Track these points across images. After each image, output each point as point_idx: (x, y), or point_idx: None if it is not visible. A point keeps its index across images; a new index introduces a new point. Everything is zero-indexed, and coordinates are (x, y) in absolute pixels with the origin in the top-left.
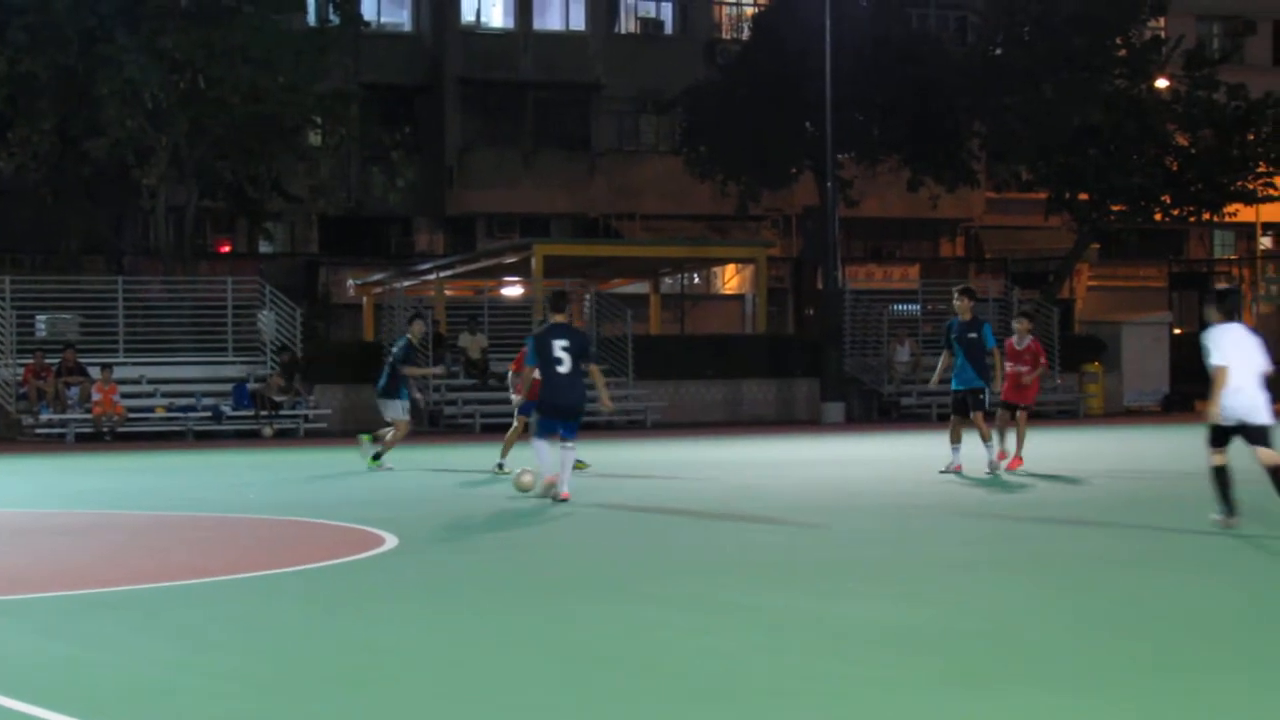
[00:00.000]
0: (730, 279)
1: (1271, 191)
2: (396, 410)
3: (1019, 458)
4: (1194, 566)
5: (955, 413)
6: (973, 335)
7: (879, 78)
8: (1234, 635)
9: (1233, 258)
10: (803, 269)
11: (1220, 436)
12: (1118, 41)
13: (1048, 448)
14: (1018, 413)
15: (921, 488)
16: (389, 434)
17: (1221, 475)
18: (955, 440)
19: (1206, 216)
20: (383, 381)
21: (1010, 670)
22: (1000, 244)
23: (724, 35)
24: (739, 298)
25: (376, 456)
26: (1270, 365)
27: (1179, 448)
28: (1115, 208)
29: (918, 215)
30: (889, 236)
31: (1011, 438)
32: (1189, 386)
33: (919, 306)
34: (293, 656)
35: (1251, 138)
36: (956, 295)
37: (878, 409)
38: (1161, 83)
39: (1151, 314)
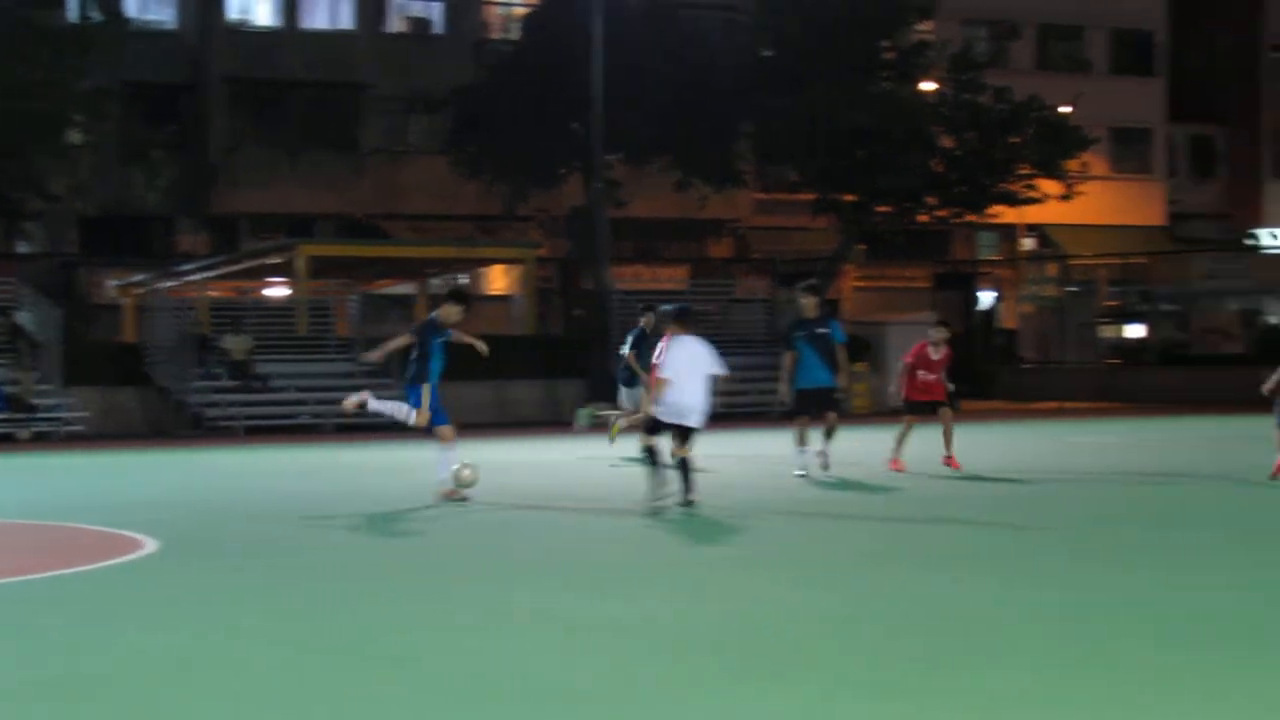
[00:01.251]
0: (498, 280)
1: (1034, 194)
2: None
3: (952, 456)
4: (949, 561)
5: (802, 412)
6: (822, 331)
7: (648, 78)
8: (1004, 630)
9: (995, 259)
10: (570, 270)
11: (656, 427)
12: (885, 44)
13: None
14: (940, 410)
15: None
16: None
17: (651, 455)
18: (802, 442)
19: (970, 218)
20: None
21: (785, 667)
22: (768, 244)
23: (493, 35)
24: (507, 298)
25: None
26: (724, 370)
27: (940, 446)
28: (881, 209)
29: (686, 216)
30: (657, 237)
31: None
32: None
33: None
34: (27, 664)
35: (1015, 140)
36: (801, 292)
37: None
38: (928, 85)
39: (916, 314)
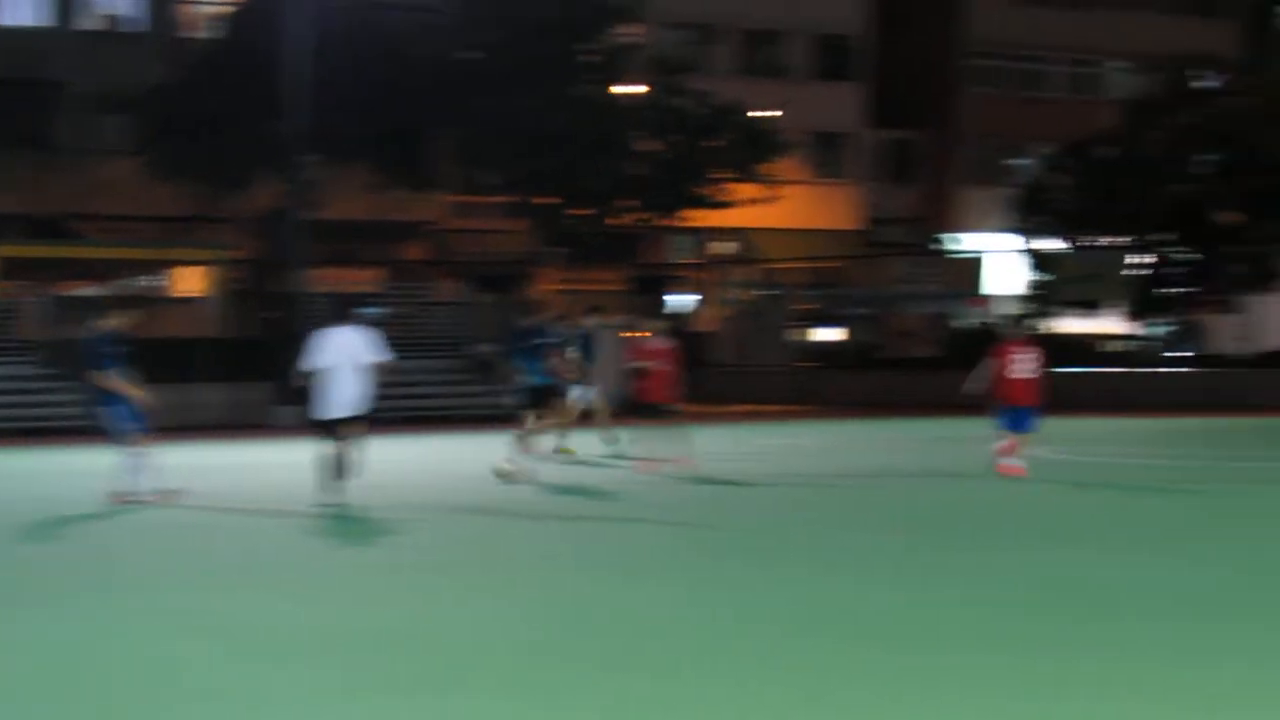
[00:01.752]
0: (190, 281)
1: (731, 197)
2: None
3: (685, 459)
4: (617, 565)
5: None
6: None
7: (347, 79)
8: (672, 635)
9: (694, 261)
10: (264, 272)
11: (327, 428)
12: (587, 48)
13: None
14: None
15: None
16: None
17: (332, 462)
18: (526, 445)
19: (669, 221)
20: None
21: (432, 674)
22: (465, 247)
23: (190, 35)
24: (199, 300)
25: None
26: (382, 357)
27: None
28: (579, 211)
29: (384, 218)
30: (354, 239)
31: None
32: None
33: (382, 309)
34: None
35: (715, 145)
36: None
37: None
38: (630, 89)
39: (615, 317)
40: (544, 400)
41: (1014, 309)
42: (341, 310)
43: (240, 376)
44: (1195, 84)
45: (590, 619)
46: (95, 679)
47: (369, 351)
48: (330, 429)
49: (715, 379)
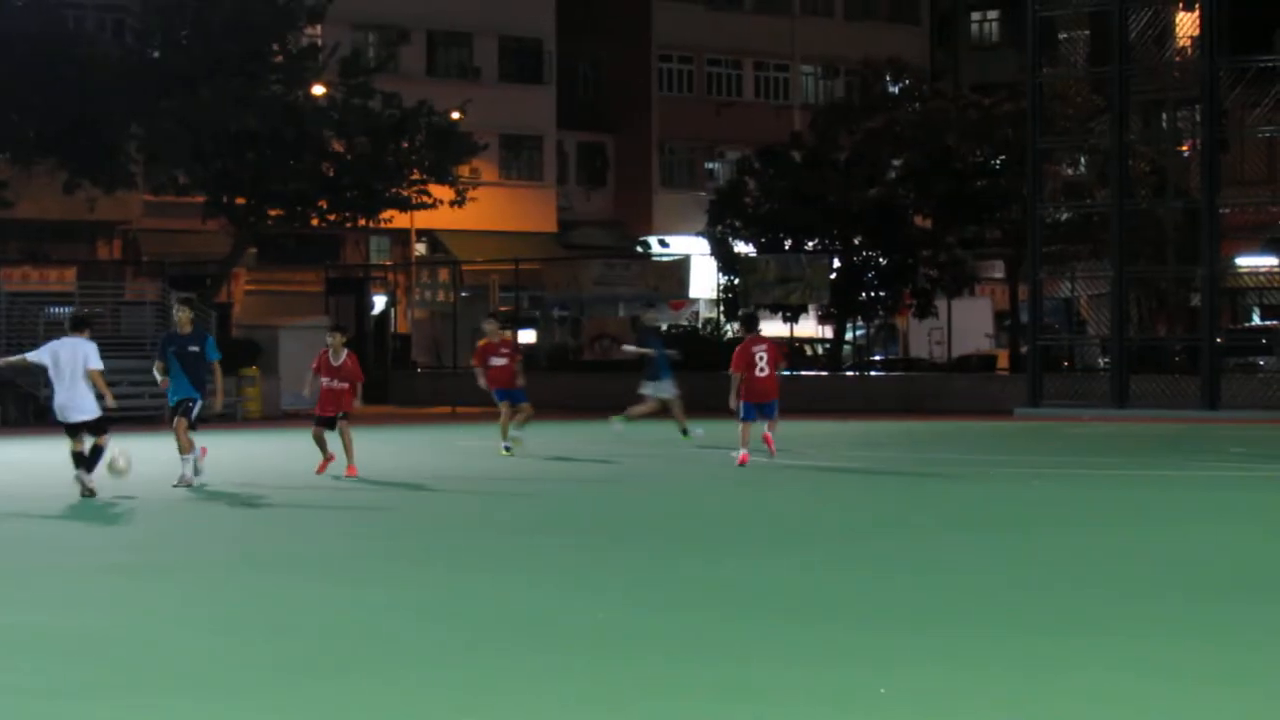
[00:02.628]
0: None
1: (425, 199)
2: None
3: (353, 466)
4: (295, 566)
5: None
6: (194, 349)
7: (33, 77)
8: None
9: (388, 264)
10: None
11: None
12: (274, 48)
13: (222, 452)
14: (339, 421)
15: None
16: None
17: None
18: (187, 450)
19: (362, 223)
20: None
21: (148, 676)
22: (159, 247)
23: None
24: None
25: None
26: (97, 365)
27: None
28: (273, 212)
29: (74, 217)
30: (45, 238)
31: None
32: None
33: (75, 309)
34: None
35: (406, 145)
36: (177, 306)
37: (34, 412)
38: (318, 89)
39: (309, 318)
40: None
41: (717, 311)
42: (73, 321)
43: None
44: (885, 89)
45: (278, 619)
46: None
47: (91, 359)
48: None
49: (412, 380)
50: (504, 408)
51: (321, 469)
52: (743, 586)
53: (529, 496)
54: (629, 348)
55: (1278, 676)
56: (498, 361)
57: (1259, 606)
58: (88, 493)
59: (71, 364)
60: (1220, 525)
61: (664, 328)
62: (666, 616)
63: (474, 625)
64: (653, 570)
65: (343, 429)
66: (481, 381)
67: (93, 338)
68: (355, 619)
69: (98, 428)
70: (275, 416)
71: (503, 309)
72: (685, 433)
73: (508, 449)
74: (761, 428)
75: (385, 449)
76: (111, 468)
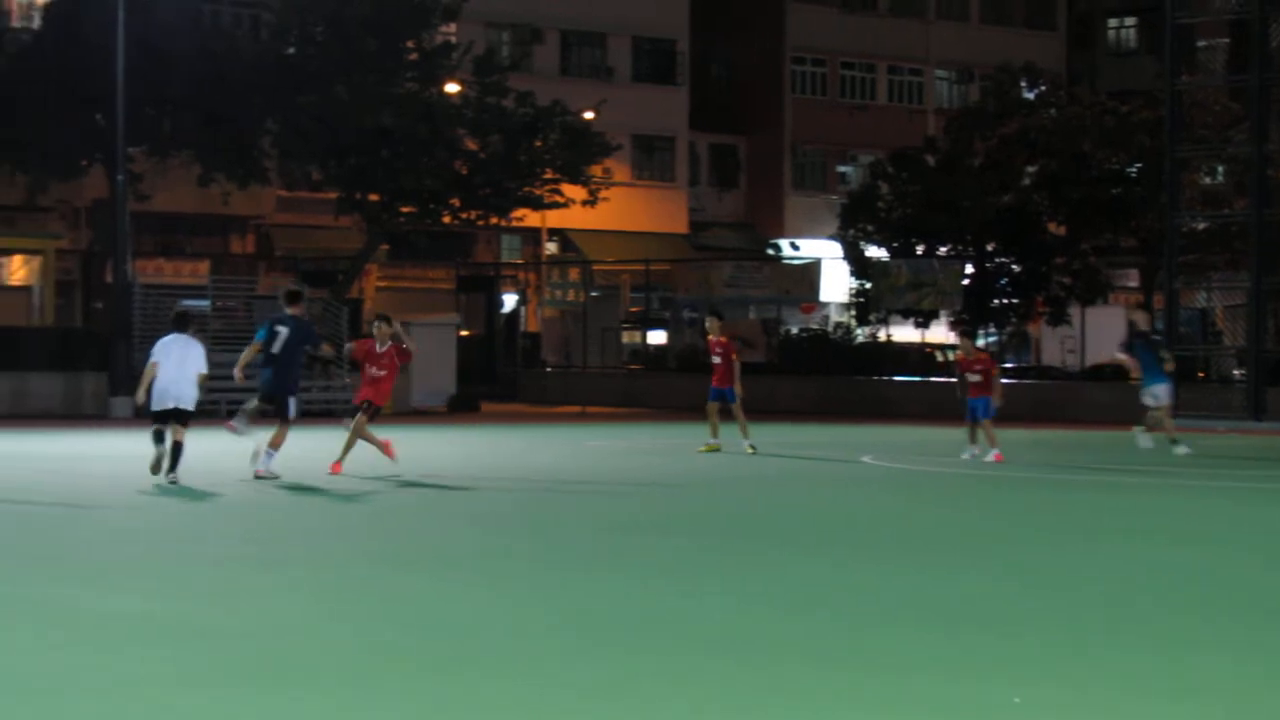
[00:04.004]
0: (18, 270)
1: (557, 198)
2: None
3: (340, 463)
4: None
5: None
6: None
7: (171, 72)
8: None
9: (519, 262)
10: (92, 262)
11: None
12: (409, 46)
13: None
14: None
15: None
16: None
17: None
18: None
19: (494, 221)
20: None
21: (279, 669)
22: (291, 242)
23: (13, 23)
24: (26, 289)
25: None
26: (204, 369)
27: (464, 448)
28: (405, 209)
29: (209, 211)
30: (179, 231)
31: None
32: (475, 387)
33: (208, 302)
34: None
35: (539, 144)
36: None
37: None
38: (452, 87)
39: (439, 315)
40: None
41: (847, 315)
42: (178, 318)
43: (73, 366)
44: (1020, 94)
45: (416, 618)
46: None
47: (201, 362)
48: (161, 419)
49: (541, 379)
50: (711, 408)
51: (389, 453)
52: (870, 591)
53: (666, 496)
54: (1120, 355)
55: None
56: (714, 359)
57: None
58: (167, 480)
59: (180, 358)
60: None
61: (1156, 332)
62: (795, 621)
63: (603, 626)
64: (780, 572)
65: (358, 422)
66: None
67: (197, 335)
68: (481, 617)
69: (185, 419)
70: (405, 412)
71: (632, 309)
72: (1175, 442)
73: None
74: None
75: (514, 447)
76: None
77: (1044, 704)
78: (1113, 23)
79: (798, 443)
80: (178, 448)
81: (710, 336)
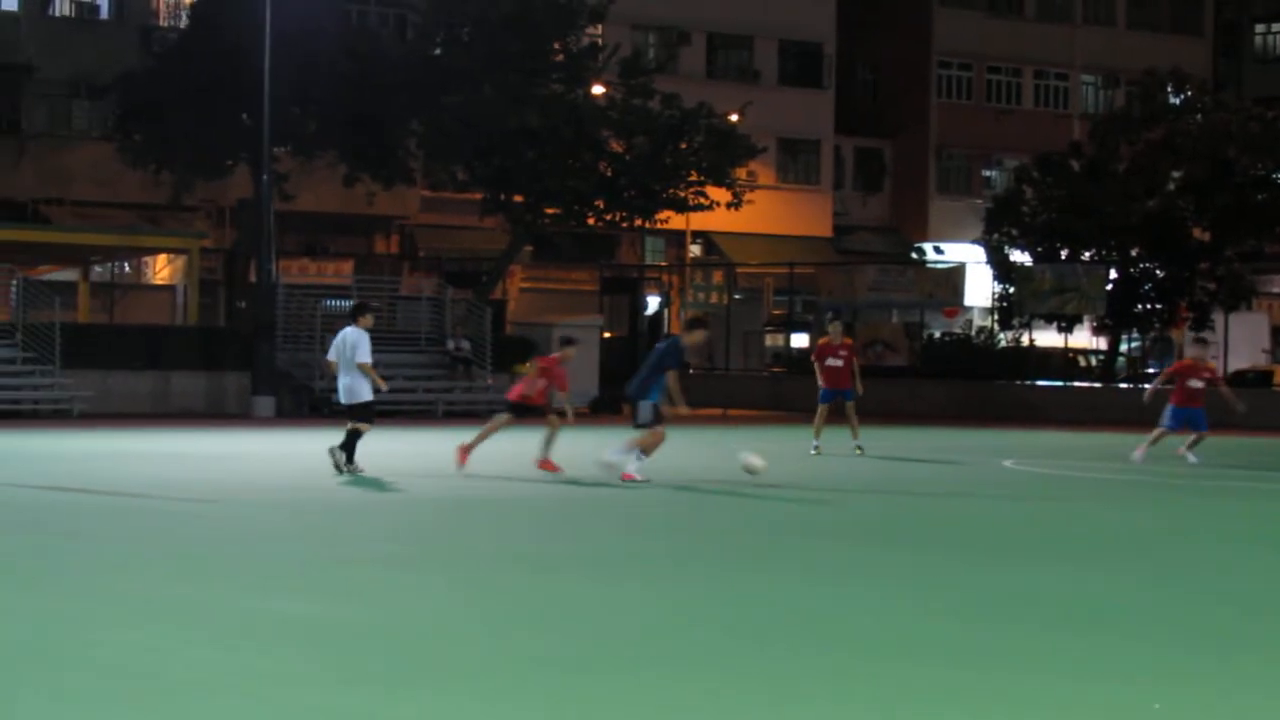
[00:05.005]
0: (162, 269)
1: (702, 200)
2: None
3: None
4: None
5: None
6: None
7: (317, 73)
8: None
9: (663, 264)
10: (236, 261)
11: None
12: (555, 47)
13: (487, 447)
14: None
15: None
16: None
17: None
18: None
19: (639, 223)
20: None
21: (416, 668)
22: (435, 243)
23: (161, 22)
24: (171, 288)
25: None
26: (365, 358)
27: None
28: (549, 211)
29: (353, 211)
30: (324, 231)
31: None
32: (617, 389)
33: (351, 303)
34: None
35: (684, 147)
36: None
37: (309, 404)
38: (598, 89)
39: (583, 317)
40: None
41: (990, 320)
42: (353, 309)
43: (216, 365)
44: (1167, 99)
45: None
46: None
47: (360, 351)
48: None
49: (685, 382)
50: (822, 410)
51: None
52: (1021, 595)
53: (811, 500)
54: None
55: None
56: (834, 362)
57: None
58: (347, 470)
59: (349, 351)
60: None
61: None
62: (945, 623)
63: (752, 625)
64: (929, 576)
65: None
66: (820, 380)
67: (372, 327)
68: (628, 617)
69: (359, 414)
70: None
71: (775, 312)
72: None
73: (816, 448)
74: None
75: (661, 451)
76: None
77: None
78: (1260, 28)
79: (939, 446)
80: (353, 435)
81: (829, 339)
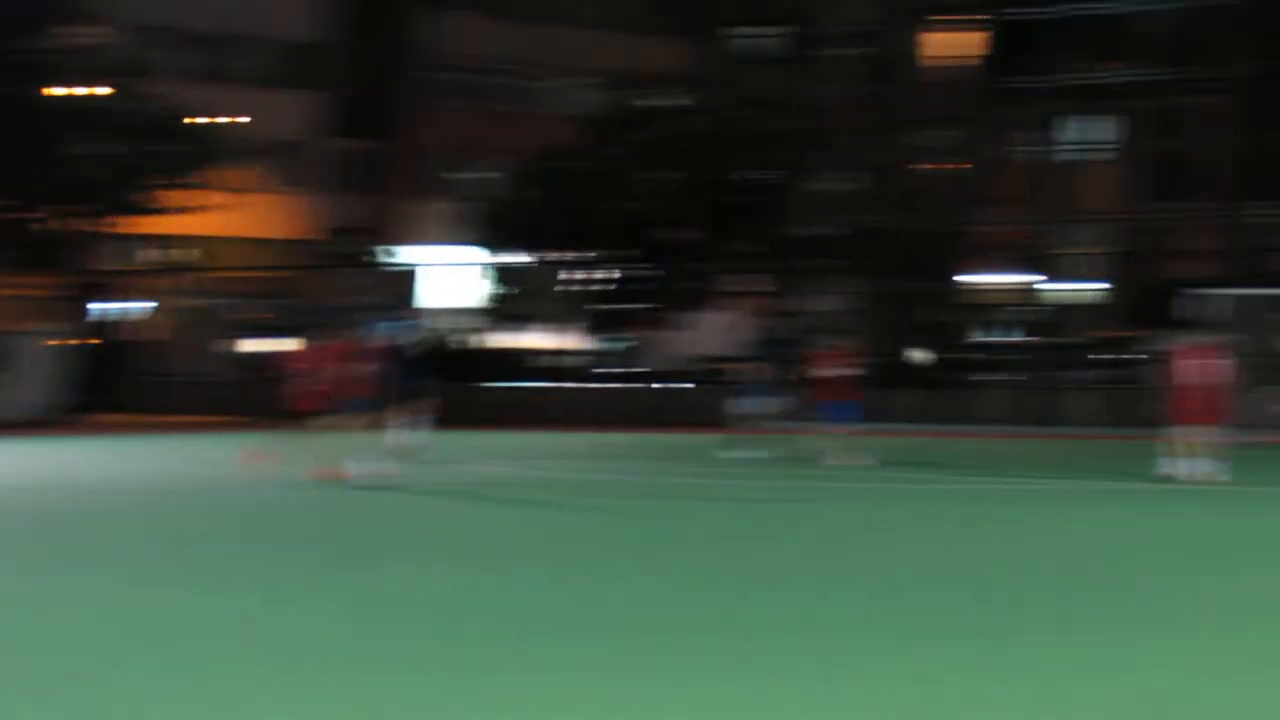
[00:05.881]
0: None
1: (182, 204)
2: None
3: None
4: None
5: None
6: None
7: None
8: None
9: (137, 269)
10: None
11: None
12: (24, 46)
13: None
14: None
15: None
16: None
17: None
18: None
19: (113, 227)
20: None
21: None
22: None
23: None
24: None
25: None
26: None
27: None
28: (15, 216)
29: None
30: None
31: None
32: (85, 397)
33: None
34: None
35: (160, 149)
36: None
37: None
38: (71, 90)
39: (42, 324)
40: None
41: (458, 322)
42: None
43: None
44: (655, 102)
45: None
46: None
47: None
48: None
49: (153, 388)
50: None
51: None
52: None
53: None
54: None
55: None
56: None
57: None
58: None
59: None
60: None
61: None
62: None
63: None
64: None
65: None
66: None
67: None
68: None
69: None
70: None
71: (255, 316)
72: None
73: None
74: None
75: (133, 456)
76: None
77: None
78: (744, 31)
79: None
80: None
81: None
